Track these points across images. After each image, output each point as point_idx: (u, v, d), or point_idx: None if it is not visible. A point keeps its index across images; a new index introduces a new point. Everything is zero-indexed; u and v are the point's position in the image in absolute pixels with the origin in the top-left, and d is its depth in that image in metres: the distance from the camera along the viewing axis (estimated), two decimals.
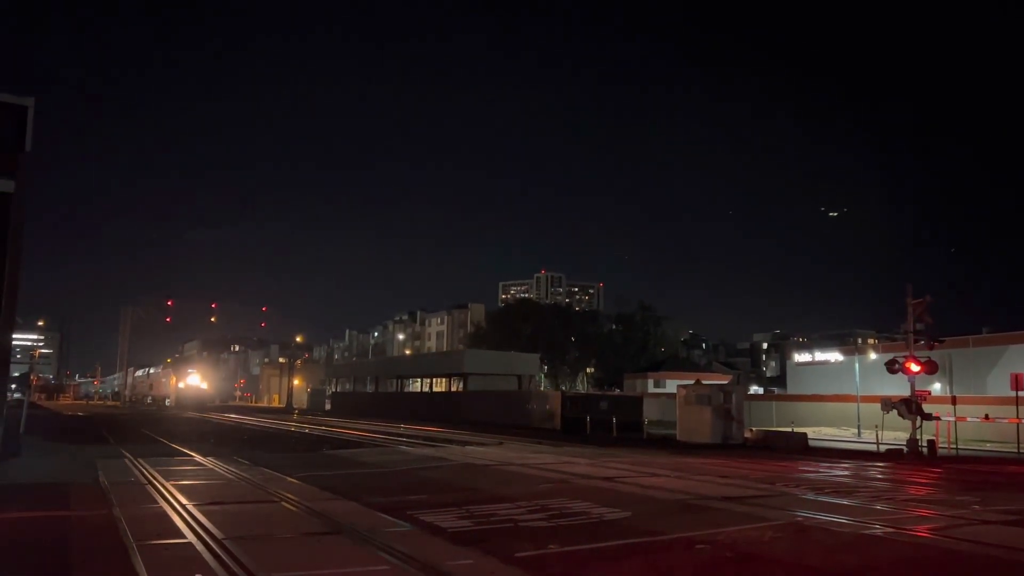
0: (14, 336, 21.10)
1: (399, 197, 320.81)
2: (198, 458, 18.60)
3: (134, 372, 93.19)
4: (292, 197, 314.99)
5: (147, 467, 15.92)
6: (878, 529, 9.86)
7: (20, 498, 12.07)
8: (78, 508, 11.13)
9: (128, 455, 18.73)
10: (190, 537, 8.80)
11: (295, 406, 72.59)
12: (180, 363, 78.22)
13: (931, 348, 24.37)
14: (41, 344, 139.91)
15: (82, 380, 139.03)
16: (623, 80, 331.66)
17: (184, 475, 15.05)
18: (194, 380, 72.80)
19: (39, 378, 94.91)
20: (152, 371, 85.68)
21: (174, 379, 74.05)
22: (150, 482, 13.77)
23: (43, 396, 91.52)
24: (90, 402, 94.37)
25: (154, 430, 30.83)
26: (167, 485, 13.09)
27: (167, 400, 70.33)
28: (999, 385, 34.84)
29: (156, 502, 11.59)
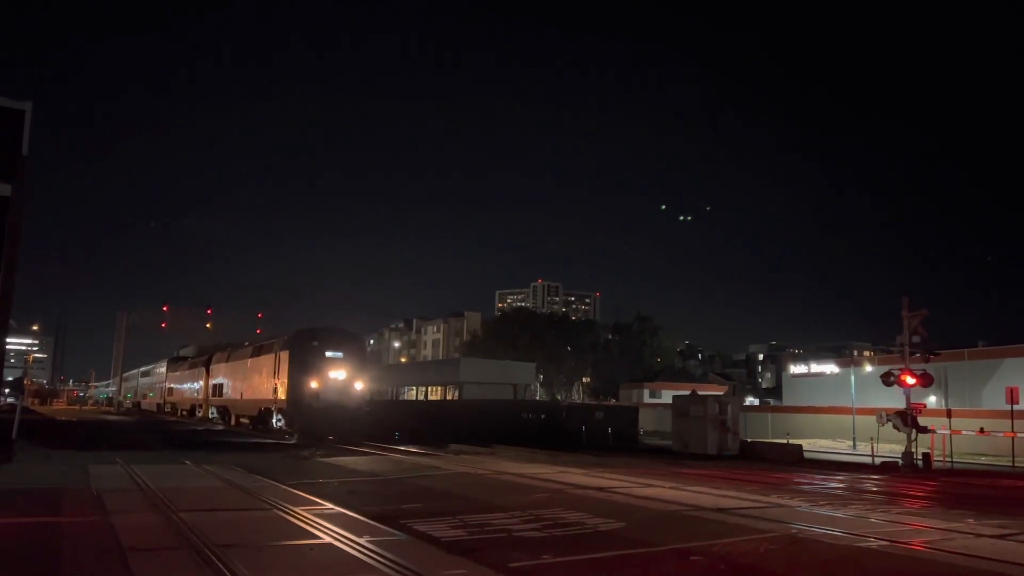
0: (8, 340, 21.05)
1: (396, 205, 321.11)
2: (191, 465, 18.51)
3: (167, 368, 59.27)
4: (288, 205, 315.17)
5: (140, 473, 15.83)
6: (873, 542, 9.84)
7: (11, 504, 11.99)
8: (70, 514, 11.06)
9: (121, 461, 18.63)
10: (182, 544, 8.75)
11: None
12: (302, 339, 32.76)
13: (927, 361, 24.44)
14: (36, 349, 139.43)
15: (83, 386, 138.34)
16: (621, 90, 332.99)
17: (178, 481, 14.96)
18: (339, 375, 31.42)
19: (33, 383, 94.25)
20: (218, 360, 44.42)
21: (283, 370, 32.07)
22: (142, 488, 13.70)
23: (37, 401, 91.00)
24: (83, 407, 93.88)
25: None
26: (160, 491, 13.01)
27: (275, 416, 33.13)
28: (994, 398, 34.88)
29: (149, 509, 11.53)
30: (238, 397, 39.38)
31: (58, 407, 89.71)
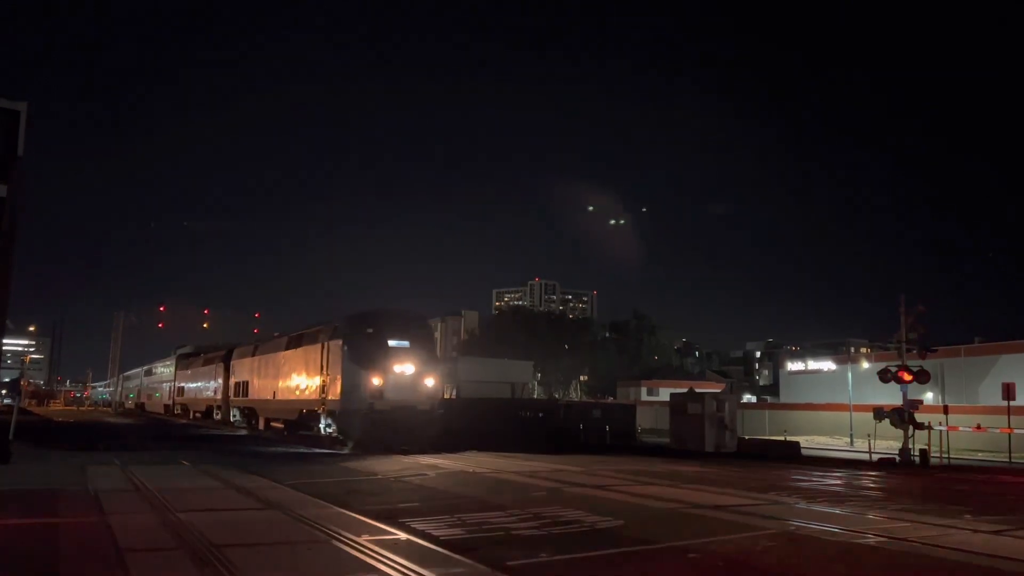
0: (5, 341, 21.00)
1: (394, 203, 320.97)
2: (189, 465, 18.50)
3: (176, 365, 53.17)
4: (284, 203, 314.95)
5: (137, 474, 15.82)
6: (870, 538, 9.86)
7: (9, 505, 11.96)
8: (68, 515, 11.04)
9: (118, 462, 18.62)
10: (180, 545, 8.74)
11: None
12: (358, 325, 26.57)
13: (923, 357, 24.50)
14: (32, 350, 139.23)
15: (80, 386, 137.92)
16: (617, 89, 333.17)
17: (175, 482, 14.95)
18: (406, 369, 25.58)
19: (30, 384, 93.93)
20: (241, 355, 38.61)
21: (333, 364, 26.38)
22: (140, 489, 13.68)
23: (34, 402, 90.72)
24: (81, 408, 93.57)
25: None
26: (157, 492, 13.00)
27: (323, 420, 27.17)
28: (991, 394, 35.00)
29: (146, 509, 11.53)
30: (269, 397, 33.02)
31: (55, 408, 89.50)
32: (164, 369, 58.73)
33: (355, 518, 10.79)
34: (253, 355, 36.62)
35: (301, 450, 25.11)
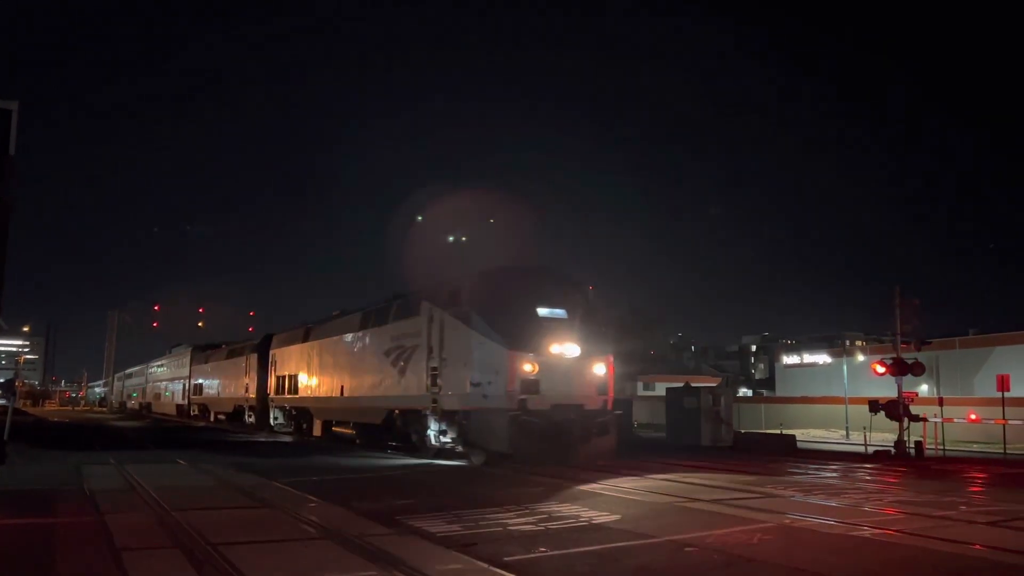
0: None
1: (392, 199, 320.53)
2: (185, 464, 18.47)
3: (191, 359, 48.12)
4: (280, 200, 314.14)
5: (133, 473, 15.78)
6: (866, 530, 9.89)
7: (4, 505, 11.92)
8: (63, 515, 11.00)
9: (114, 461, 18.58)
10: (177, 543, 8.72)
11: None
12: (489, 289, 18.30)
13: (918, 350, 24.58)
14: (27, 350, 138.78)
15: (75, 387, 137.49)
16: (614, 84, 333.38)
17: (171, 481, 14.93)
18: (568, 351, 17.29)
19: (24, 384, 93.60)
20: (286, 342, 31.96)
21: (452, 345, 18.42)
22: (136, 488, 13.65)
23: (29, 403, 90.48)
24: (76, 408, 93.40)
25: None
26: (154, 491, 12.96)
27: (434, 424, 19.25)
28: (986, 386, 35.12)
29: (142, 508, 11.50)
30: (332, 394, 25.90)
31: (50, 408, 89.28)
32: (175, 364, 52.71)
33: (353, 516, 10.76)
34: (305, 340, 29.31)
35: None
